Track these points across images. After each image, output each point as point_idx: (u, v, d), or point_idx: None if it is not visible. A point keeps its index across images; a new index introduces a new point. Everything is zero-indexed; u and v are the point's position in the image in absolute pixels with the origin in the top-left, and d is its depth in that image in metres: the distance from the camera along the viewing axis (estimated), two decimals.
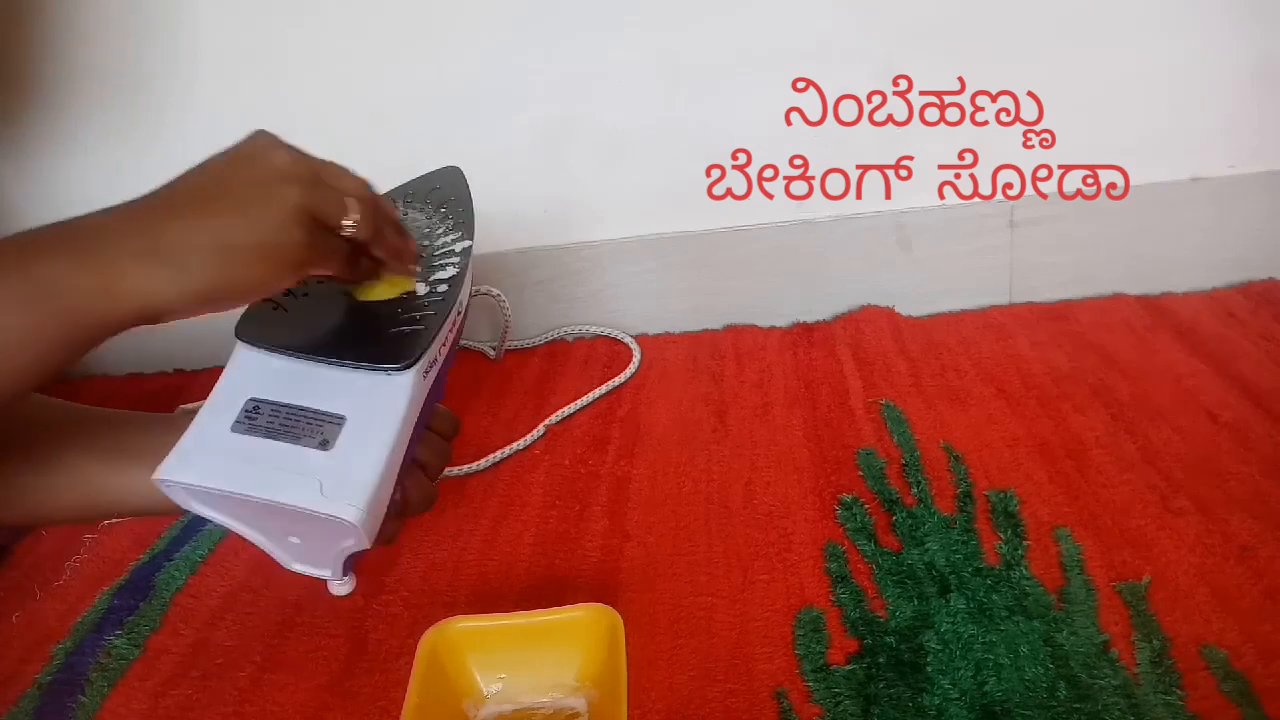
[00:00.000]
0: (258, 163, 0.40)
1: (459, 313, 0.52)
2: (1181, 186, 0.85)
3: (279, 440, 0.44)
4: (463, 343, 0.95)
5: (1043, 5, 0.79)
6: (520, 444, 0.77)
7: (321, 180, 0.41)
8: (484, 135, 0.86)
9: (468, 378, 0.89)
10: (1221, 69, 0.81)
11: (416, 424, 0.48)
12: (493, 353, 0.92)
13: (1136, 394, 0.73)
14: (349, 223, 0.42)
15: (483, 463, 0.75)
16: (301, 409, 0.44)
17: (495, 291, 0.86)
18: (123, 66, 0.85)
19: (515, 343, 0.94)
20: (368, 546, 0.45)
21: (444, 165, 0.60)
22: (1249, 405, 0.70)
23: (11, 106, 0.88)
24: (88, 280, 0.36)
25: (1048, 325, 0.85)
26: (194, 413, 0.48)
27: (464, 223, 0.54)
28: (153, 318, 0.38)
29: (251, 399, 0.45)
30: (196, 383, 0.95)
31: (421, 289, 0.50)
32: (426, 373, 0.47)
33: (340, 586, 0.58)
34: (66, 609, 0.64)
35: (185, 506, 0.46)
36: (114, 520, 0.71)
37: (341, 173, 0.44)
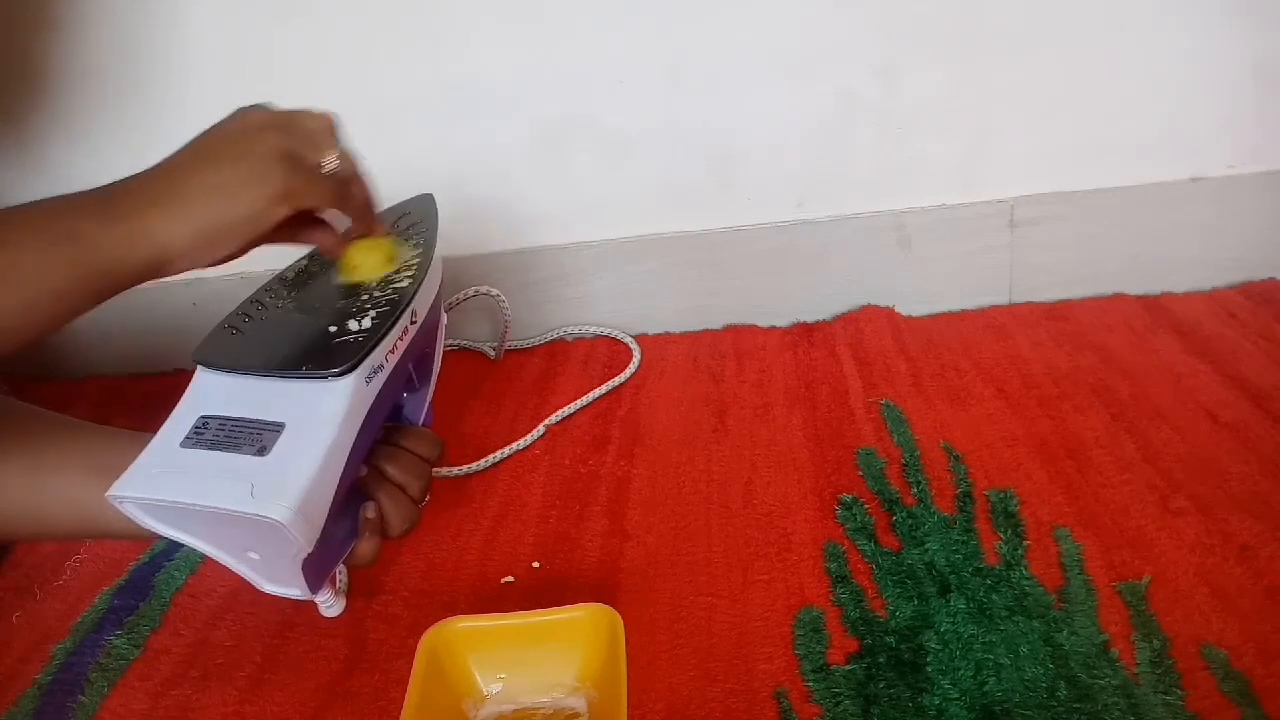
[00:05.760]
0: (239, 121, 0.48)
1: (413, 322, 0.52)
2: (1181, 186, 0.85)
3: (221, 451, 0.45)
4: (463, 343, 0.95)
5: (1042, 5, 0.79)
6: (520, 444, 0.77)
7: (296, 126, 0.48)
8: (484, 135, 0.86)
9: (468, 378, 0.89)
10: (1221, 69, 0.81)
11: (363, 431, 0.48)
12: (493, 353, 0.92)
13: (1136, 394, 0.73)
14: (327, 160, 0.48)
15: (483, 463, 0.75)
16: (244, 420, 0.46)
17: (495, 291, 0.86)
18: (123, 66, 0.85)
19: (515, 343, 0.94)
20: (308, 550, 0.45)
21: (419, 193, 0.63)
22: (1249, 405, 0.70)
23: (14, 105, 0.88)
24: (111, 229, 0.42)
25: (1048, 325, 0.85)
26: None
27: (426, 241, 0.56)
28: (165, 260, 0.44)
29: (201, 416, 0.46)
30: None
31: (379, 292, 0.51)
32: (370, 379, 0.48)
33: (329, 608, 0.58)
34: (66, 609, 0.64)
35: (142, 525, 0.47)
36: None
37: (309, 114, 0.50)
